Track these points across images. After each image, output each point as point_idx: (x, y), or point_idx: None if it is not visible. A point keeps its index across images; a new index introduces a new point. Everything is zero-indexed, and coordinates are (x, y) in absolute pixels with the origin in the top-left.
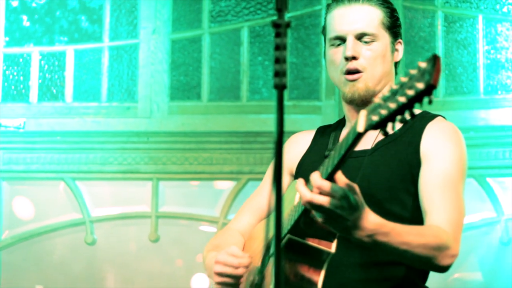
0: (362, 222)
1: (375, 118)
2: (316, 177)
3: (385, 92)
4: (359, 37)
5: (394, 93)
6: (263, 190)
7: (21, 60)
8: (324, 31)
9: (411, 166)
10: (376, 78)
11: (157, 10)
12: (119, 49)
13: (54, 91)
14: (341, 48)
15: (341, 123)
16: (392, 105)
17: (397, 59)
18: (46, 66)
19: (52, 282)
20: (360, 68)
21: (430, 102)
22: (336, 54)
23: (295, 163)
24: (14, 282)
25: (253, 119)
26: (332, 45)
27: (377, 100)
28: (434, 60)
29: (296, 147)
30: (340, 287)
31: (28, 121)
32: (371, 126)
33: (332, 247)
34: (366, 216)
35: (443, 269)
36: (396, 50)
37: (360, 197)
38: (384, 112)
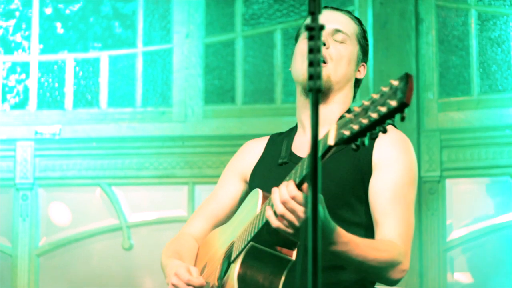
0: (326, 232)
1: (346, 132)
2: (292, 187)
3: (356, 108)
4: (334, 33)
5: (365, 110)
6: (217, 195)
7: (55, 67)
8: (298, 33)
9: (363, 173)
10: (338, 75)
11: (190, 14)
12: (153, 54)
13: (89, 97)
14: None
15: (293, 130)
16: (364, 121)
17: (359, 77)
18: (81, 73)
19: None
20: (327, 57)
21: (402, 119)
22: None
23: (248, 171)
24: None
25: (288, 121)
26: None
27: (348, 115)
28: (407, 78)
29: (249, 155)
30: None
31: (63, 128)
32: (342, 140)
33: (293, 255)
34: (329, 226)
35: (393, 282)
36: (359, 70)
37: (325, 208)
38: (356, 127)
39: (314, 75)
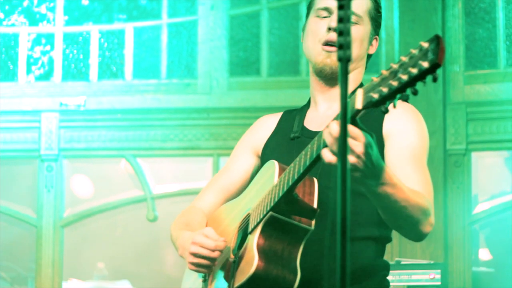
0: (377, 171)
1: (375, 95)
2: (350, 126)
3: (384, 71)
4: None
5: (394, 72)
6: (229, 169)
7: (80, 38)
8: (310, 4)
9: None
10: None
11: None
12: (178, 26)
13: (114, 69)
14: (326, 20)
15: (306, 106)
16: (394, 83)
17: (371, 52)
18: (106, 44)
19: (114, 259)
20: None
21: (434, 80)
22: (319, 24)
23: (261, 145)
24: (76, 259)
25: None
26: (317, 16)
27: (375, 79)
28: (437, 39)
29: (262, 130)
30: (315, 261)
31: (88, 99)
32: (371, 104)
33: (312, 224)
34: (381, 165)
35: (422, 236)
36: (372, 44)
37: (376, 148)
38: (385, 90)
39: (344, 45)
